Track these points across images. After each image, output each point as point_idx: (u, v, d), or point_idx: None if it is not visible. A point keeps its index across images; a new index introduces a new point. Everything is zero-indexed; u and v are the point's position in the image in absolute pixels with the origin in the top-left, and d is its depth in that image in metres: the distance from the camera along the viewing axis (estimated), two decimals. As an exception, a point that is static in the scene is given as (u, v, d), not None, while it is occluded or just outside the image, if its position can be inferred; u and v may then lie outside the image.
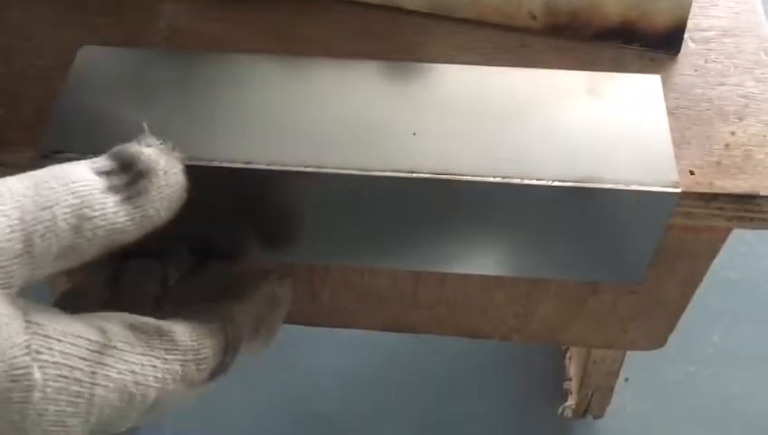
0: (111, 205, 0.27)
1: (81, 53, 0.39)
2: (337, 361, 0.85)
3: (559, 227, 0.37)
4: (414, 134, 0.36)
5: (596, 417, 0.79)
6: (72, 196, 0.26)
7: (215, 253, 0.40)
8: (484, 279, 0.44)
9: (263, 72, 0.39)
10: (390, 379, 0.85)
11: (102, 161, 0.29)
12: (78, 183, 0.27)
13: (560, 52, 0.42)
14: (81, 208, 0.26)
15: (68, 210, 0.26)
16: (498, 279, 0.44)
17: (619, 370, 0.68)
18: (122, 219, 0.28)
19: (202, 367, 0.32)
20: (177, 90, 0.38)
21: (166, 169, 0.30)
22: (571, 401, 0.79)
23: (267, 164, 0.35)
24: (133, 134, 0.32)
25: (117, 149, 0.30)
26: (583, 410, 0.78)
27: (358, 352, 0.86)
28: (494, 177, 0.35)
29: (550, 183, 0.35)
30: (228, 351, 0.33)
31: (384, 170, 0.35)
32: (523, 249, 0.39)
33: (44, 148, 0.36)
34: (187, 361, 0.31)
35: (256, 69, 0.39)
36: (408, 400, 0.83)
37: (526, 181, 0.35)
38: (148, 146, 0.30)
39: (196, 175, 0.36)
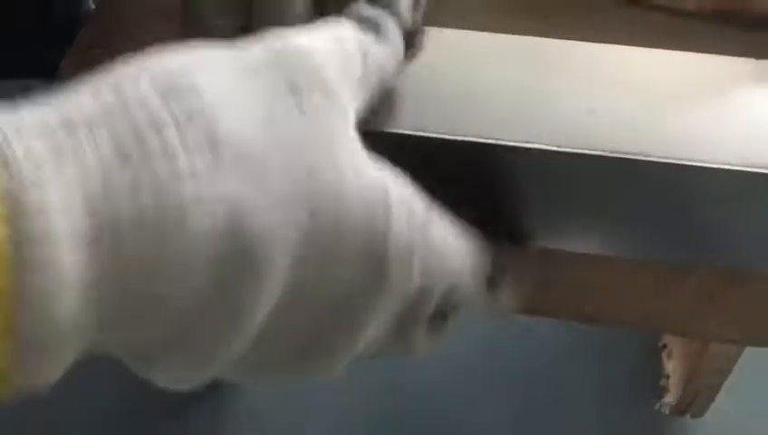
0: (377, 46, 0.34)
1: None
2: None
3: (730, 213, 0.37)
4: (591, 111, 0.36)
5: (695, 416, 0.78)
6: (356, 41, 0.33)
7: None
8: (630, 265, 0.43)
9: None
10: (487, 367, 0.85)
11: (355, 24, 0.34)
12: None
13: (724, 40, 0.42)
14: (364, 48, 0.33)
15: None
16: (643, 265, 0.44)
17: (731, 368, 0.67)
18: (382, 54, 0.34)
19: None
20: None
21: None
22: (670, 398, 0.79)
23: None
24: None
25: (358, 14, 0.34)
26: (683, 408, 0.77)
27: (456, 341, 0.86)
28: (671, 159, 0.35)
29: (729, 167, 0.35)
30: None
31: (560, 146, 0.35)
32: (685, 233, 0.38)
33: None
34: None
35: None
36: (503, 387, 0.84)
37: (704, 164, 0.35)
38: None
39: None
